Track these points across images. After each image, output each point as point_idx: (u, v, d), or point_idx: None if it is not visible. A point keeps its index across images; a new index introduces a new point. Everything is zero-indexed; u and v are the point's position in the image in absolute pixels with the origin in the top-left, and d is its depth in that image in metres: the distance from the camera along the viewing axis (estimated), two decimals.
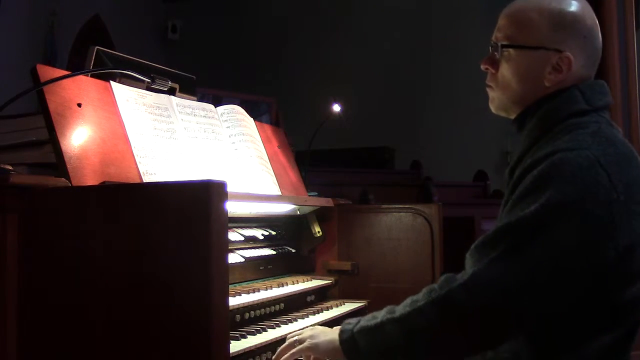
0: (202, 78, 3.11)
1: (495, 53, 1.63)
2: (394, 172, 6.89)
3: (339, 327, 1.63)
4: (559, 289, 1.40)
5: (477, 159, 6.49)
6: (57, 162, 1.56)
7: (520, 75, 1.59)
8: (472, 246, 1.49)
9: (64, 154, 1.56)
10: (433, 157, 6.78)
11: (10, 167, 1.48)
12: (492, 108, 1.70)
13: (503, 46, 1.61)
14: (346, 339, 1.57)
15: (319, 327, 1.74)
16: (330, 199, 2.54)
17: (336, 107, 2.91)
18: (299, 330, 1.76)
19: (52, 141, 1.58)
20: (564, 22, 1.56)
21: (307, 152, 2.85)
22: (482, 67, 1.67)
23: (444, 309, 1.44)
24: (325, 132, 2.88)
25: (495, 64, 1.64)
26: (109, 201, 1.38)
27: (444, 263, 2.37)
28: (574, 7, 1.57)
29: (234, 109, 2.30)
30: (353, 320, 1.61)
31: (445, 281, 1.48)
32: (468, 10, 7.08)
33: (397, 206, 2.48)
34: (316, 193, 2.79)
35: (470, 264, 1.47)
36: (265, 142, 2.42)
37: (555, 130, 1.53)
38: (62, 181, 1.50)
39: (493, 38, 1.65)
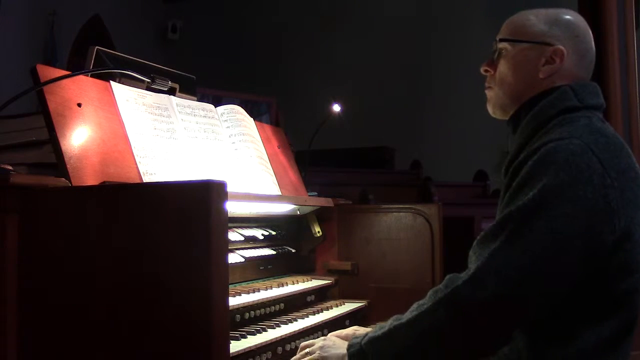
0: (202, 78, 3.11)
1: (494, 53, 1.72)
2: (394, 172, 6.86)
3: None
4: (560, 272, 1.41)
5: (477, 159, 6.47)
6: (57, 162, 1.56)
7: (515, 69, 1.68)
8: (475, 242, 1.51)
9: (64, 154, 1.56)
10: (433, 157, 6.77)
11: (10, 167, 1.48)
12: (490, 109, 1.77)
13: (501, 40, 1.70)
14: (354, 353, 1.57)
15: (333, 338, 1.74)
16: (330, 199, 2.54)
17: (336, 107, 2.91)
18: (310, 340, 1.76)
19: (52, 141, 1.58)
20: (558, 22, 1.67)
21: (307, 152, 2.84)
22: (482, 69, 1.76)
23: (451, 307, 1.44)
24: (325, 132, 2.88)
25: (493, 65, 1.73)
26: (109, 201, 1.38)
27: (444, 263, 2.36)
28: (569, 15, 1.70)
29: (233, 109, 2.30)
30: (361, 334, 1.61)
31: (449, 280, 1.49)
32: (468, 11, 7.08)
33: (397, 206, 2.48)
34: (316, 193, 2.79)
35: (473, 260, 1.48)
36: (265, 142, 2.42)
37: (547, 126, 1.58)
38: (62, 181, 1.50)
39: (493, 42, 1.74)
